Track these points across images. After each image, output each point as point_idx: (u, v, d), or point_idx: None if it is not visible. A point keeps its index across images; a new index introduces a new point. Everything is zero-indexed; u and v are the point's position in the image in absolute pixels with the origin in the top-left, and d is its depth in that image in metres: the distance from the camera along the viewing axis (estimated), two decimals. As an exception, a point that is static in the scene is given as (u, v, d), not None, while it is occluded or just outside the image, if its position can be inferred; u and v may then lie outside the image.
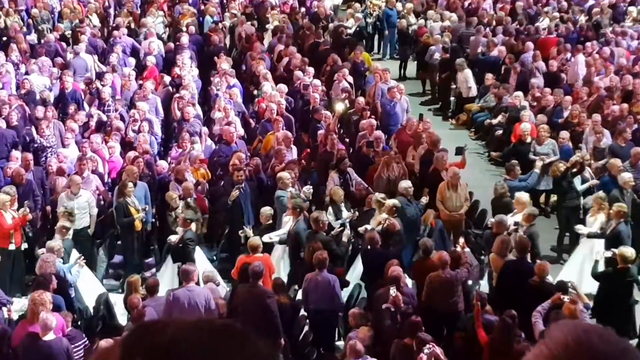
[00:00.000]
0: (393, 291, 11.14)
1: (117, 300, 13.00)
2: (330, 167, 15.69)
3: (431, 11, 25.75)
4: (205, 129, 17.37)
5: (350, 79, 20.14)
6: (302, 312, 12.32)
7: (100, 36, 23.00)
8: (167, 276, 13.28)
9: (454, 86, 21.97)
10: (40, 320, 10.40)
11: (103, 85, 18.94)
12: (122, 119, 17.55)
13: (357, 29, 25.00)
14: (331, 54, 21.49)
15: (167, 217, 14.40)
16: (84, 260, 13.01)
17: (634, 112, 17.90)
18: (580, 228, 14.23)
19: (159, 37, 22.86)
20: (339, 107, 17.53)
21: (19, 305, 12.56)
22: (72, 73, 19.57)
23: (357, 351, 10.18)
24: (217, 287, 12.50)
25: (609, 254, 12.67)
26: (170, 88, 19.50)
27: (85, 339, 11.09)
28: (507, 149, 17.72)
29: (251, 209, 14.76)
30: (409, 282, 12.48)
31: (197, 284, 11.88)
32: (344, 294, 12.63)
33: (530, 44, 21.91)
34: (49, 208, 14.92)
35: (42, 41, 22.20)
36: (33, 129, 17.02)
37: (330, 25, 24.78)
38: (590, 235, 13.87)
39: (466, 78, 21.11)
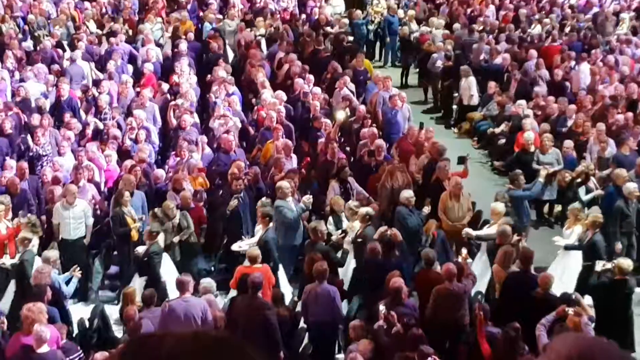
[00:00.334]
0: (382, 308, 10.96)
1: (112, 312, 12.81)
2: (330, 177, 15.54)
3: (434, 18, 25.58)
4: (203, 137, 17.15)
5: (352, 86, 19.96)
6: (302, 324, 12.13)
7: (97, 43, 22.78)
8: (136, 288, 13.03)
9: (456, 94, 21.78)
10: (35, 333, 10.22)
11: (100, 93, 18.73)
12: (119, 127, 17.36)
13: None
14: (332, 62, 21.35)
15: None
16: (80, 272, 12.82)
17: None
18: (557, 240, 14.02)
19: (157, 44, 22.65)
20: (340, 115, 17.35)
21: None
22: (69, 80, 19.40)
23: (357, 364, 9.99)
24: (215, 298, 12.32)
25: (609, 265, 12.55)
26: (168, 96, 19.30)
27: (80, 351, 10.89)
28: (511, 158, 17.53)
29: (250, 219, 14.57)
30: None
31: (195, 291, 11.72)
32: (344, 305, 12.44)
33: (533, 52, 21.71)
34: (44, 218, 14.68)
35: (38, 48, 21.97)
36: (29, 136, 16.82)
37: (331, 31, 24.56)
38: (567, 247, 13.66)
39: (470, 85, 20.91)
